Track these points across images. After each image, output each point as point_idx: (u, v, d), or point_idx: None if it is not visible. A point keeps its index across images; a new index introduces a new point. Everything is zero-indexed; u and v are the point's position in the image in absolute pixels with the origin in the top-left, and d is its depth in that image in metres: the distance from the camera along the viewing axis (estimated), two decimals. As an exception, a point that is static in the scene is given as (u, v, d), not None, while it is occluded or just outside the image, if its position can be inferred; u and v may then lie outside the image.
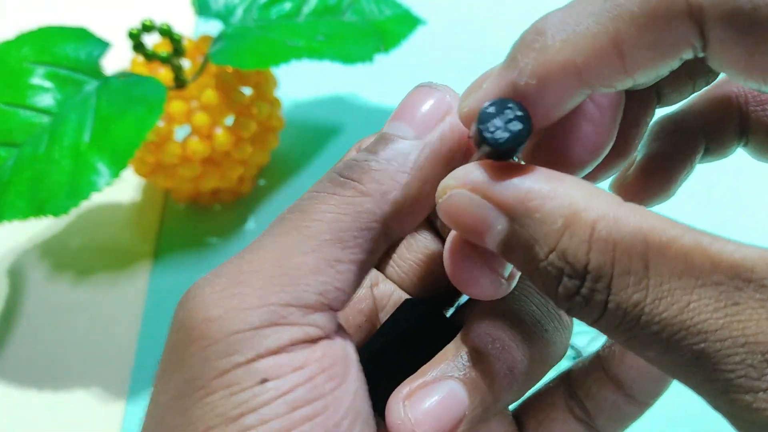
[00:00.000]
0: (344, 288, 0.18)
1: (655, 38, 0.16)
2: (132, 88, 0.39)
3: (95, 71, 0.40)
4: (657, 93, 0.21)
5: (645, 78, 0.17)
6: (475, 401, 0.19)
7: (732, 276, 0.14)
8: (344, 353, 0.18)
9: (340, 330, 0.19)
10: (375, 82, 0.55)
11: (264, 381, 0.17)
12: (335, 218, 0.18)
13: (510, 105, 0.16)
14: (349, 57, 0.42)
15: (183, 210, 0.47)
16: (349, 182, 0.18)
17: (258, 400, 0.16)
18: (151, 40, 0.42)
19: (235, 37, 0.42)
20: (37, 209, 0.36)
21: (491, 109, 0.16)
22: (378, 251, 0.19)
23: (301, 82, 0.53)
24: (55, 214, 0.36)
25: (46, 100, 0.39)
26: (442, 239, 0.23)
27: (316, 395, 0.17)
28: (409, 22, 0.46)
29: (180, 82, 0.42)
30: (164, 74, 0.42)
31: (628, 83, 0.17)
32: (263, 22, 0.44)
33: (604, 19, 0.16)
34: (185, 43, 0.43)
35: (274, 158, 0.49)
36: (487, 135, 0.16)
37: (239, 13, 0.44)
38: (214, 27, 0.45)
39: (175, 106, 0.41)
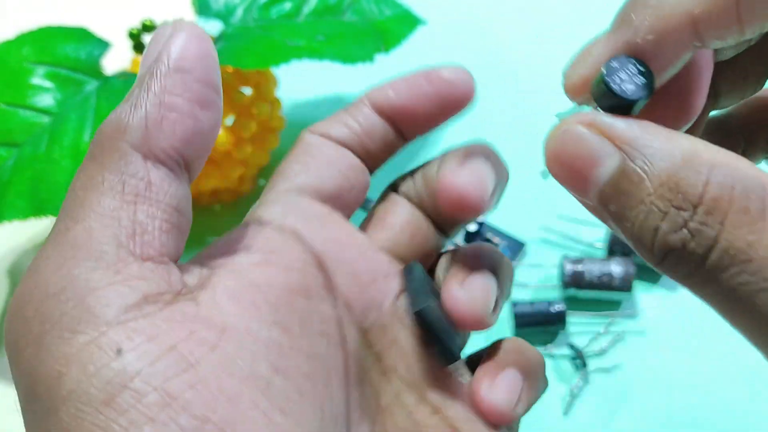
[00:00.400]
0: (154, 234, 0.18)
1: None
2: (132, 88, 0.39)
3: (95, 71, 0.40)
4: (714, 94, 0.21)
5: (755, 31, 0.17)
6: None
7: None
8: (212, 313, 0.17)
9: (200, 287, 0.18)
10: (375, 82, 0.55)
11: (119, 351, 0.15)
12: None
13: (632, 61, 0.17)
14: (349, 57, 0.42)
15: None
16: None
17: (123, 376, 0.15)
18: (151, 40, 0.42)
19: (236, 37, 0.42)
20: (37, 209, 0.36)
21: (615, 64, 0.17)
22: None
23: (301, 82, 0.53)
24: (55, 214, 0.36)
25: (47, 100, 0.39)
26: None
27: (184, 366, 0.16)
28: (409, 22, 0.46)
29: (180, 82, 0.42)
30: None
31: (738, 36, 0.17)
32: (263, 22, 0.44)
33: None
34: (185, 43, 0.43)
35: (274, 158, 0.49)
36: (615, 87, 0.17)
37: (239, 13, 0.44)
38: (214, 27, 0.45)
39: (175, 106, 0.41)
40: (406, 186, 0.24)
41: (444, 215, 0.23)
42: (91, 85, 0.39)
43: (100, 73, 0.40)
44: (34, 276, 0.17)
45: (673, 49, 0.17)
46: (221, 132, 0.42)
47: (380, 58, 0.43)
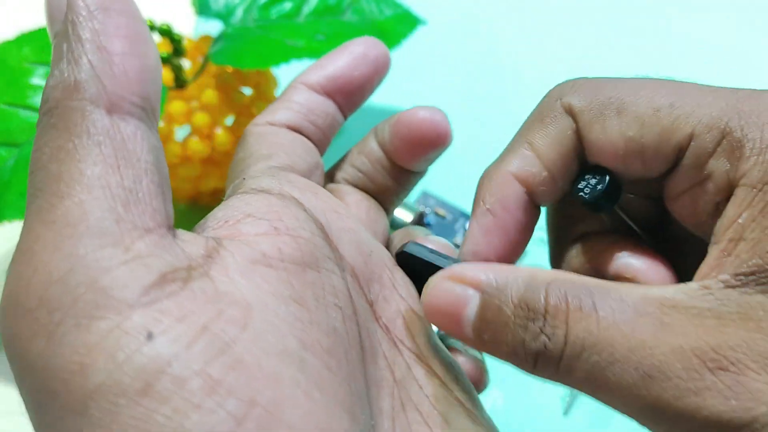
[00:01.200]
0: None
1: (553, 134, 0.23)
2: (132, 88, 0.39)
3: (95, 71, 0.40)
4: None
5: (565, 188, 0.23)
6: None
7: (658, 306, 0.18)
8: (231, 289, 0.16)
9: (210, 260, 0.17)
10: (375, 82, 0.55)
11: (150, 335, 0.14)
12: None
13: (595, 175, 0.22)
14: (349, 57, 0.42)
15: (183, 210, 0.47)
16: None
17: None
18: (151, 40, 0.42)
19: (235, 37, 0.42)
20: (37, 209, 0.36)
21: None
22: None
23: (301, 82, 0.53)
24: (56, 214, 0.36)
25: (47, 100, 0.39)
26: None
27: (221, 347, 0.15)
28: (409, 22, 0.46)
29: (180, 82, 0.42)
30: (164, 74, 0.42)
31: (553, 194, 0.23)
32: (263, 22, 0.44)
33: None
34: (185, 43, 0.43)
35: (274, 158, 0.49)
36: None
37: (239, 13, 0.44)
38: (214, 27, 0.45)
39: (175, 106, 0.41)
40: (344, 173, 0.26)
41: (408, 158, 0.26)
42: (91, 85, 0.39)
43: (100, 73, 0.40)
44: (29, 260, 0.15)
45: (516, 206, 0.22)
46: (221, 132, 0.42)
47: (380, 58, 0.43)
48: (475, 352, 0.26)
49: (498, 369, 0.41)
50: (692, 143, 0.20)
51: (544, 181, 0.22)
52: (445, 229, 0.46)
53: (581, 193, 0.22)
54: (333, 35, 0.43)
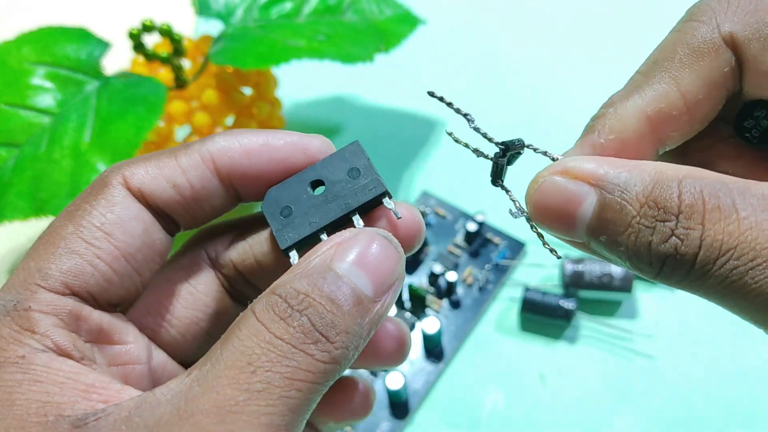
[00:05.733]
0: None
1: (706, 72, 0.19)
2: (132, 88, 0.39)
3: (95, 71, 0.40)
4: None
5: (703, 125, 0.20)
6: None
7: None
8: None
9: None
10: (375, 82, 0.55)
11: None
12: None
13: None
14: (349, 57, 0.42)
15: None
16: None
17: None
18: (151, 40, 0.42)
19: (236, 37, 0.42)
20: (37, 209, 0.36)
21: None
22: None
23: (301, 82, 0.53)
24: (55, 214, 0.36)
25: (47, 100, 0.39)
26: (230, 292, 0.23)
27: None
28: (409, 22, 0.46)
29: (180, 82, 0.42)
30: (164, 74, 0.42)
31: (689, 131, 0.20)
32: (263, 22, 0.44)
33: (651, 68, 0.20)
34: (185, 43, 0.43)
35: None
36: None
37: (239, 13, 0.44)
38: (214, 27, 0.45)
39: (176, 106, 0.41)
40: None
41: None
42: (91, 85, 0.39)
43: (100, 73, 0.40)
44: None
45: (635, 148, 0.20)
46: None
47: (380, 58, 0.43)
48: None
49: (498, 369, 0.41)
50: None
51: (682, 125, 0.20)
52: (445, 229, 0.46)
53: (748, 134, 0.19)
54: (333, 35, 0.43)
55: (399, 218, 0.21)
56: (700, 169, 0.17)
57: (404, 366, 0.41)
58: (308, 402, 0.17)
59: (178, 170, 0.20)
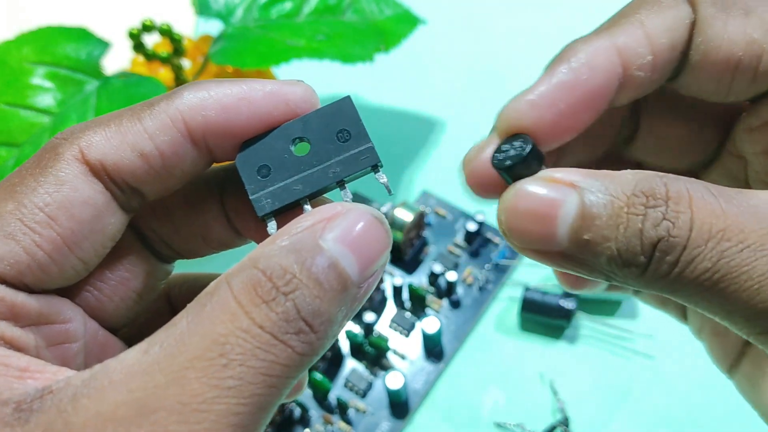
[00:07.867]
0: None
1: (670, 22, 0.20)
2: (132, 88, 0.39)
3: (95, 71, 0.40)
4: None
5: (665, 71, 0.20)
6: None
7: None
8: None
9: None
10: (375, 82, 0.55)
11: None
12: None
13: (519, 138, 0.20)
14: (349, 57, 0.42)
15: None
16: None
17: None
18: (151, 40, 0.42)
19: (236, 37, 0.42)
20: (37, 209, 0.36)
21: (504, 146, 0.20)
22: None
23: (301, 82, 0.53)
24: (56, 214, 0.36)
25: (47, 100, 0.39)
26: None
27: None
28: (409, 22, 0.46)
29: (180, 82, 0.42)
30: (164, 74, 0.42)
31: (651, 72, 0.20)
32: (263, 21, 0.44)
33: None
34: (185, 43, 0.43)
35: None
36: (503, 156, 0.19)
37: (239, 12, 0.44)
38: (214, 27, 0.45)
39: (176, 106, 0.41)
40: None
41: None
42: (91, 85, 0.39)
43: (100, 73, 0.40)
44: None
45: (603, 80, 0.20)
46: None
47: (380, 58, 0.43)
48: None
49: (498, 369, 0.41)
50: None
51: (645, 65, 0.20)
52: (445, 228, 0.46)
53: (497, 161, 0.19)
54: (333, 35, 0.43)
55: (391, 194, 0.20)
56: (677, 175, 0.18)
57: (404, 366, 0.41)
58: (279, 397, 0.15)
59: (144, 136, 0.18)
